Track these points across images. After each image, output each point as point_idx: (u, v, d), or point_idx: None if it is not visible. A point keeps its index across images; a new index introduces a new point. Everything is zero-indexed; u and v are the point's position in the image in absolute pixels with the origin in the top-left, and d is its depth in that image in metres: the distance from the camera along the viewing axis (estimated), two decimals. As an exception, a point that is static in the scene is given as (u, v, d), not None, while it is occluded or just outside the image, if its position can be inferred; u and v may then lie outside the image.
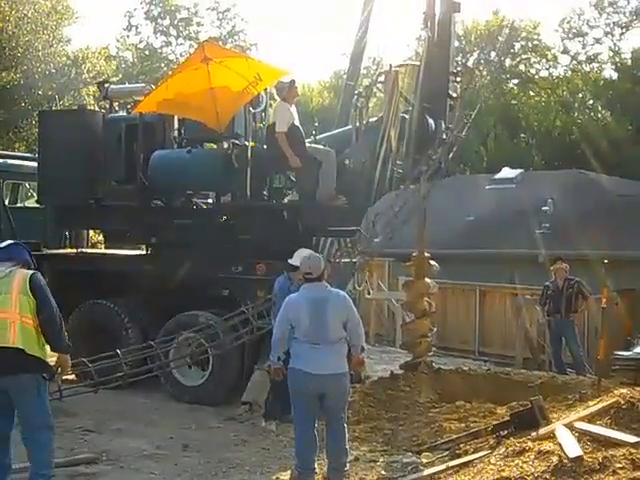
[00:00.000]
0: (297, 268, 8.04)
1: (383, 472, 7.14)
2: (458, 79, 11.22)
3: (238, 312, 9.43)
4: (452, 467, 6.76)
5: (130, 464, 7.42)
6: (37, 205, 12.55)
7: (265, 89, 10.67)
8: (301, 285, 7.46)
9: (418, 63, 11.11)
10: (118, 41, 43.46)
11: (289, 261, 8.61)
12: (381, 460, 7.48)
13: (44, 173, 11.54)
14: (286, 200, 10.61)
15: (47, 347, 5.93)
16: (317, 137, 10.99)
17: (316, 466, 6.79)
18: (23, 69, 24.85)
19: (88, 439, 8.25)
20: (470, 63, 36.42)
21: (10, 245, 6.07)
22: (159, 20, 42.92)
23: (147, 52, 42.61)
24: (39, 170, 11.73)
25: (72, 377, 9.99)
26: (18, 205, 13.38)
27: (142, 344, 10.45)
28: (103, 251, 13.87)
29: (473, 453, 7.01)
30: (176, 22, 43.01)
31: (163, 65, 40.47)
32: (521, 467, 5.97)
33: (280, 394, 8.69)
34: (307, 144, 10.33)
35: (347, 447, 6.85)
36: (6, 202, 12.75)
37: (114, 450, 7.81)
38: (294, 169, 10.16)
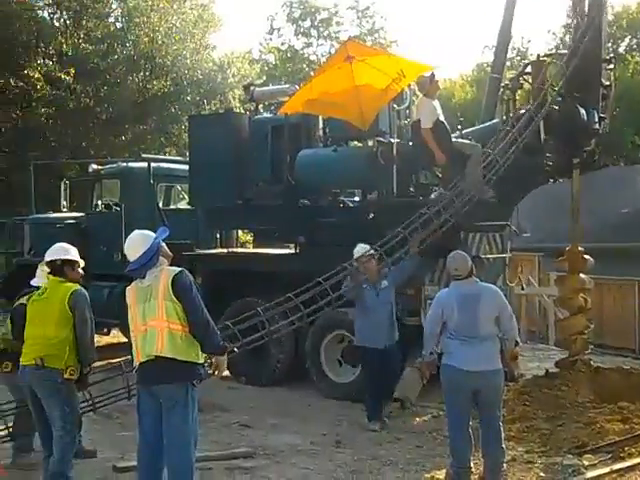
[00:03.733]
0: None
1: (542, 474, 6.93)
2: (610, 66, 10.79)
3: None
4: (616, 470, 6.52)
5: (286, 459, 7.56)
6: (189, 207, 12.98)
7: (409, 85, 10.60)
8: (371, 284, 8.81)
9: (566, 52, 10.75)
10: (261, 44, 44.48)
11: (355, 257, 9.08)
12: (539, 461, 7.26)
13: (195, 176, 11.95)
14: (433, 196, 10.49)
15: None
16: (463, 132, 10.80)
17: (472, 465, 6.67)
18: (172, 77, 26.01)
19: (244, 434, 8.48)
20: (622, 49, 35.03)
21: (146, 252, 5.50)
22: (300, 22, 43.51)
23: (289, 54, 43.29)
24: (190, 173, 12.14)
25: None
26: (171, 207, 13.87)
27: (292, 343, 10.70)
28: (252, 250, 14.19)
29: (638, 456, 6.70)
30: (316, 23, 43.47)
31: (305, 66, 41.04)
32: (693, 472, 5.66)
33: (375, 394, 8.82)
34: (453, 139, 10.18)
35: (503, 446, 6.68)
36: (160, 204, 13.25)
37: (270, 445, 7.99)
38: (440, 165, 10.04)
